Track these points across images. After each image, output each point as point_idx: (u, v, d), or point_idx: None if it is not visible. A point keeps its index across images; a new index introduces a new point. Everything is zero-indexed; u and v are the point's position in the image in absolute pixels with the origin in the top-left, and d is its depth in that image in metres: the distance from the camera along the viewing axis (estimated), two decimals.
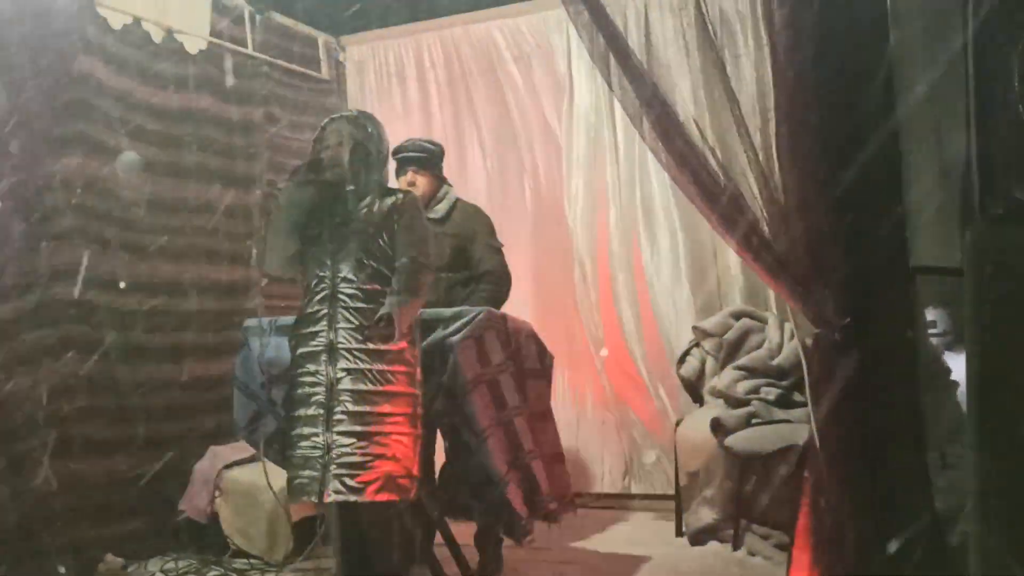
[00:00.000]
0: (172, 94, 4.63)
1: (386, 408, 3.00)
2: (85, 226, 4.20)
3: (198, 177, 4.76)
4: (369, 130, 3.19)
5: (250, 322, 3.79)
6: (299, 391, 3.08)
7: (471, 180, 5.64)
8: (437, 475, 3.61)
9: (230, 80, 4.94)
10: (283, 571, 4.02)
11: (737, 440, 3.88)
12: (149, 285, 4.52)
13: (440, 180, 4.11)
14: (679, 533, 4.29)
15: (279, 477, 3.71)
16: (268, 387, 3.59)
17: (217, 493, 4.34)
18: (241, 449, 4.55)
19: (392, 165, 4.08)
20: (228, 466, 4.41)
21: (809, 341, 2.63)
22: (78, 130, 4.15)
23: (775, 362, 4.30)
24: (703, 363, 4.61)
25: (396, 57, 5.90)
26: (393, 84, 5.90)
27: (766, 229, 2.65)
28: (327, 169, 3.10)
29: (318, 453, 2.99)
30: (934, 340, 3.38)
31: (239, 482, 4.32)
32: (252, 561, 4.15)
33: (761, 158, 2.69)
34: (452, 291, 3.92)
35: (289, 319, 3.47)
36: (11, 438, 3.88)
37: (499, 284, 4.03)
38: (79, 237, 4.18)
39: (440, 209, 4.04)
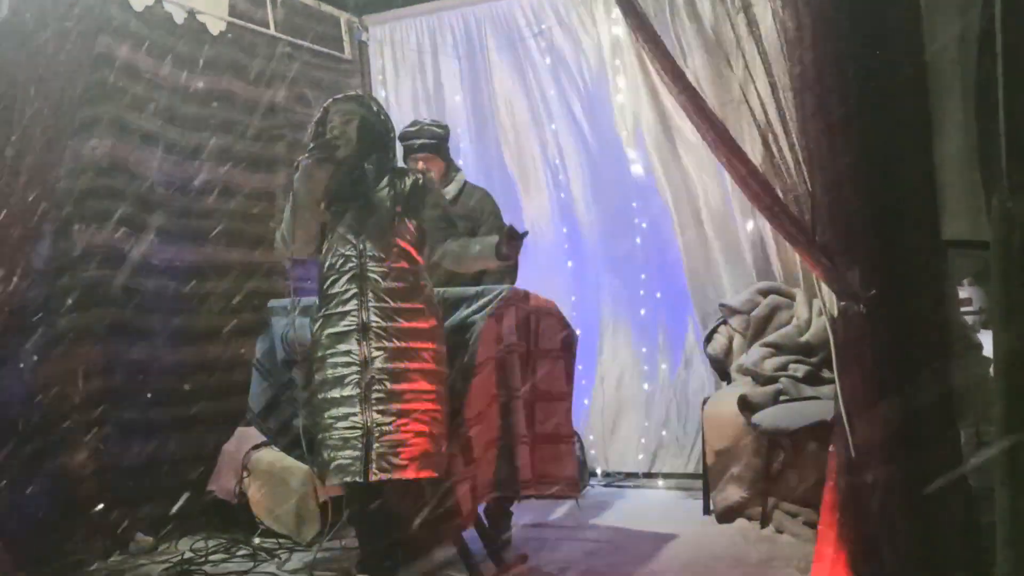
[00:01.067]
0: (195, 75, 4.63)
1: (422, 385, 3.00)
2: (113, 209, 4.23)
3: (221, 159, 4.76)
4: (375, 109, 3.18)
5: (274, 302, 3.80)
6: (331, 372, 3.06)
7: (491, 160, 5.60)
8: None
9: (252, 61, 4.92)
10: (311, 550, 4.04)
11: (765, 417, 3.83)
12: (177, 268, 4.55)
13: (449, 163, 4.12)
14: (707, 511, 4.26)
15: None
16: (290, 366, 3.59)
17: (245, 474, 4.38)
18: None
19: (400, 151, 4.08)
20: (256, 447, 4.44)
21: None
22: (104, 112, 4.17)
23: (803, 339, 4.24)
24: (730, 341, 4.57)
25: (418, 36, 5.85)
26: (414, 63, 5.86)
27: (791, 199, 2.61)
28: (339, 147, 3.09)
29: (358, 433, 2.98)
30: (969, 317, 3.31)
31: (267, 462, 4.35)
32: (280, 540, 4.17)
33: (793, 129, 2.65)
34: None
35: (313, 299, 3.47)
36: (49, 421, 3.93)
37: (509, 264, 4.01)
38: (108, 220, 4.22)
39: (449, 191, 4.03)
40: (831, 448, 2.53)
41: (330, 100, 3.21)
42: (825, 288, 2.55)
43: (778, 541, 3.78)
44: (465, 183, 4.14)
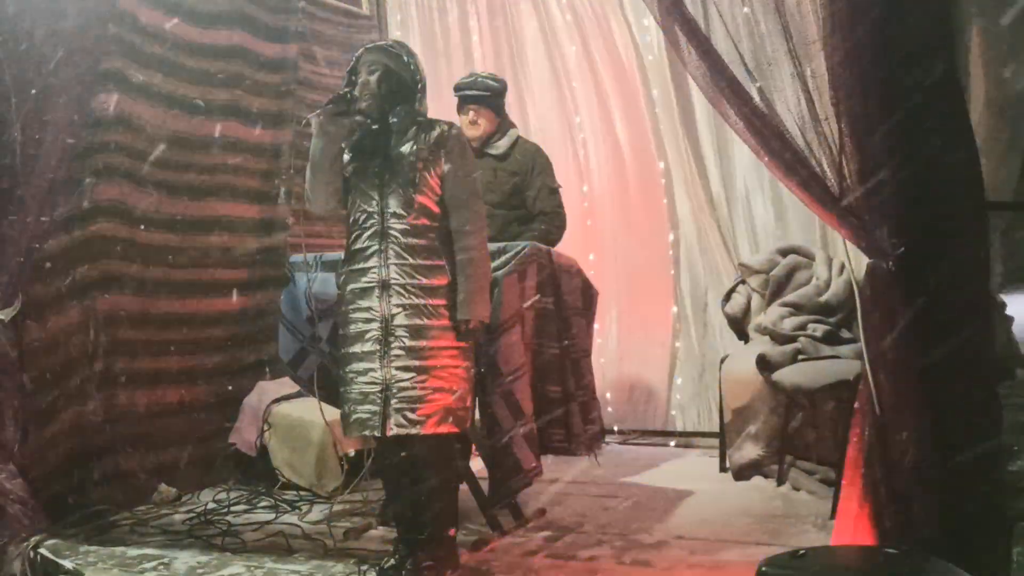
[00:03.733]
0: (207, 31, 4.61)
1: (441, 342, 3.00)
2: (123, 163, 4.24)
3: (231, 115, 4.75)
4: (405, 59, 3.10)
5: (296, 257, 3.80)
6: (352, 328, 3.08)
7: (513, 117, 5.56)
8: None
9: (265, 15, 4.88)
10: (332, 503, 4.10)
11: (784, 375, 3.84)
12: (183, 222, 4.57)
13: (502, 117, 4.09)
14: (723, 469, 4.29)
15: (327, 411, 3.79)
16: (314, 322, 3.62)
17: (266, 427, 4.43)
18: (288, 384, 4.63)
19: (454, 101, 4.06)
20: (276, 401, 4.50)
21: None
22: (115, 67, 4.16)
23: (823, 299, 4.23)
24: (749, 300, 4.56)
25: None
26: (435, 18, 5.81)
27: (813, 158, 2.59)
28: (361, 100, 3.05)
29: (376, 388, 3.00)
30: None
31: (287, 417, 4.40)
32: (301, 493, 4.24)
33: (811, 85, 2.62)
34: (507, 228, 3.92)
35: (336, 255, 3.48)
36: (65, 371, 3.98)
37: (553, 223, 4.03)
38: (119, 174, 4.23)
39: (501, 145, 4.02)
40: (856, 404, 2.54)
41: (361, 49, 3.17)
42: (851, 246, 2.54)
43: (794, 498, 3.81)
44: (518, 138, 4.12)
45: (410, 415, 2.97)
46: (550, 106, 5.61)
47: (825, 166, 2.52)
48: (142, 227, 4.35)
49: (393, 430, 2.98)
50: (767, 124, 2.57)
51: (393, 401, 2.98)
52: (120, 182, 4.24)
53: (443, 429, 3.00)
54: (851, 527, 2.41)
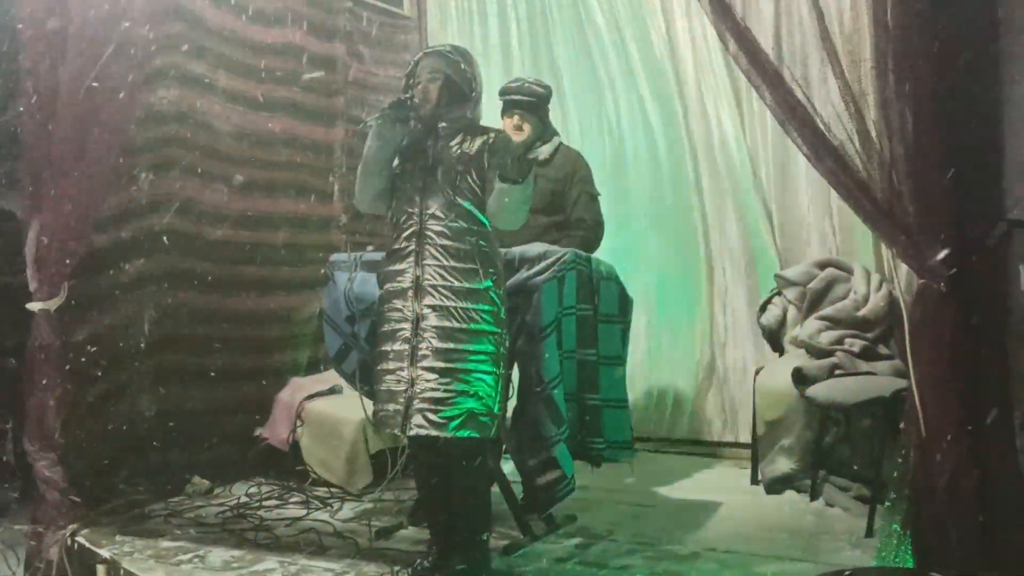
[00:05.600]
0: (263, 28, 4.66)
1: (471, 345, 3.00)
2: (179, 157, 4.28)
3: (283, 111, 4.79)
4: (462, 66, 3.12)
5: (336, 256, 3.81)
6: (385, 326, 3.10)
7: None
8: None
9: (316, 14, 4.92)
10: (362, 501, 4.12)
11: (820, 390, 3.81)
12: (236, 218, 4.62)
13: (546, 124, 4.10)
14: (754, 481, 4.27)
15: (357, 411, 3.81)
16: (353, 321, 3.64)
17: (298, 423, 4.46)
18: (322, 381, 4.67)
19: (499, 105, 4.07)
20: (309, 397, 4.53)
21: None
22: (175, 62, 4.21)
23: (861, 313, 4.20)
24: (784, 312, 4.54)
25: None
26: (474, 21, 5.82)
27: (868, 174, 2.58)
28: (418, 106, 3.08)
29: (402, 387, 3.02)
30: None
31: (320, 413, 4.43)
32: (332, 490, 4.26)
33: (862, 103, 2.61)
34: (546, 234, 3.92)
35: (376, 254, 3.51)
36: (115, 366, 4.02)
37: (591, 231, 4.04)
38: (173, 168, 4.27)
39: (543, 151, 4.02)
40: (901, 425, 2.52)
41: (421, 53, 3.20)
42: (902, 266, 2.53)
43: (828, 515, 3.79)
44: (560, 145, 4.13)
45: (431, 416, 2.97)
46: (587, 110, 5.60)
47: (878, 183, 2.51)
48: (199, 222, 4.39)
49: (413, 430, 2.99)
50: (821, 140, 2.56)
51: (416, 401, 2.99)
52: (178, 177, 4.29)
53: (465, 434, 2.99)
54: (894, 548, 2.39)
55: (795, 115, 2.60)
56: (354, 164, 5.16)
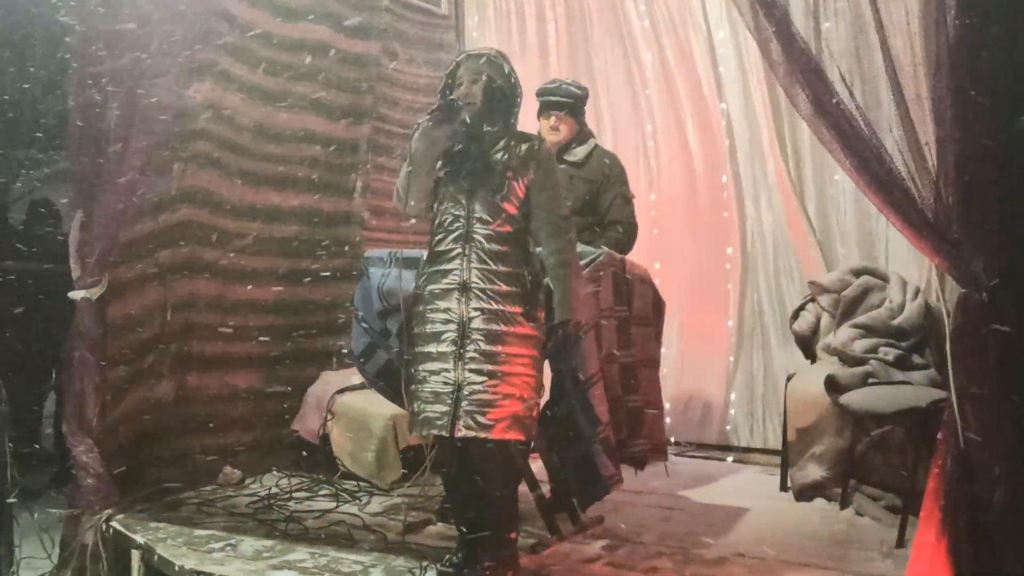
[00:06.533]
0: (295, 25, 4.70)
1: (516, 348, 3.02)
2: (212, 151, 4.34)
3: (311, 108, 4.85)
4: (505, 70, 3.14)
5: (371, 252, 3.85)
6: (428, 328, 3.11)
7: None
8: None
9: (350, 11, 4.96)
10: (390, 495, 4.15)
11: (853, 399, 3.79)
12: (263, 211, 4.68)
13: (582, 125, 4.13)
14: (784, 488, 4.25)
15: (388, 406, 3.85)
16: (385, 316, 3.66)
17: (329, 416, 4.50)
18: (353, 375, 4.70)
19: (535, 106, 4.09)
20: (340, 391, 4.56)
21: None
22: (209, 58, 4.27)
23: (896, 322, 4.16)
24: (818, 319, 4.51)
25: None
26: (512, 21, 5.84)
27: (912, 185, 2.56)
28: (462, 108, 3.10)
29: (449, 389, 3.02)
30: None
31: (351, 407, 4.47)
32: (360, 484, 4.29)
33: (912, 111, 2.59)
34: (579, 235, 3.92)
35: (411, 252, 3.53)
36: (141, 351, 4.08)
37: (625, 234, 4.04)
38: (207, 162, 4.32)
39: (579, 152, 4.05)
40: (939, 435, 2.50)
41: (463, 55, 3.22)
42: (946, 276, 2.51)
43: (858, 524, 3.76)
44: (595, 146, 4.15)
45: (479, 418, 2.99)
46: (623, 113, 5.60)
47: (923, 193, 2.49)
48: (225, 214, 4.45)
49: (462, 431, 3.00)
50: (864, 145, 2.54)
51: (464, 403, 3.00)
52: (207, 170, 4.36)
53: (511, 435, 3.01)
54: (928, 560, 2.37)
55: (835, 123, 2.58)
56: (378, 162, 5.25)
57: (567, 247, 3.14)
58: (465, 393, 3.00)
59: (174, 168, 4.22)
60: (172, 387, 4.24)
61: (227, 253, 4.51)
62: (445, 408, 3.02)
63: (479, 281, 3.04)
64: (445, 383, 3.04)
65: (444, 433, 3.05)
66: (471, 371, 3.01)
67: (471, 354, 3.01)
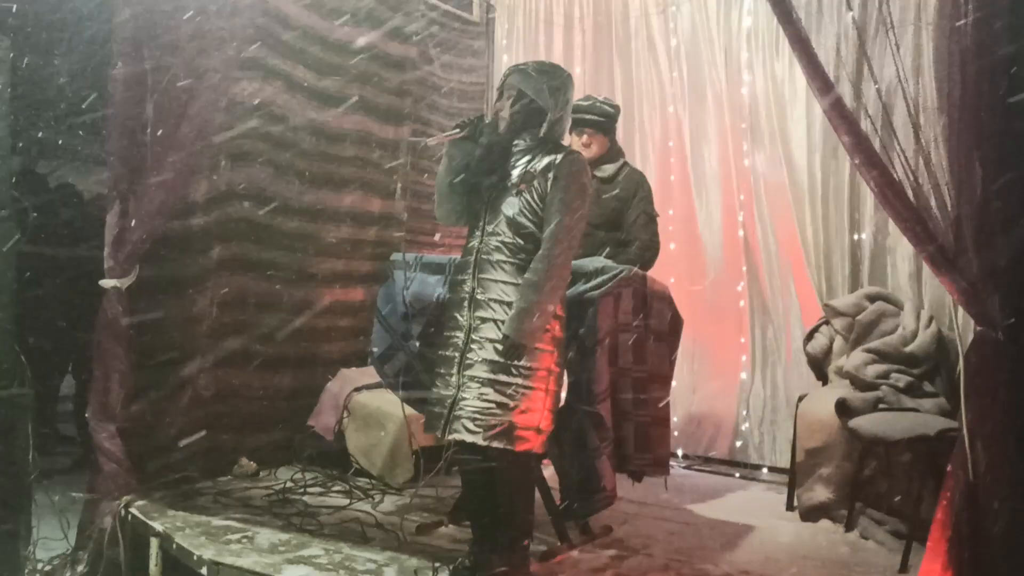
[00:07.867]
0: (343, 27, 4.79)
1: (520, 360, 3.05)
2: (260, 149, 4.43)
3: (355, 109, 4.92)
4: (542, 85, 3.18)
5: (396, 256, 3.92)
6: (445, 333, 3.23)
7: None
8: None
9: (392, 16, 5.04)
10: (403, 495, 4.22)
11: (863, 423, 3.84)
12: (310, 210, 4.76)
13: (613, 142, 4.20)
14: (790, 507, 4.31)
15: (401, 406, 3.91)
16: (408, 319, 3.73)
17: (345, 414, 4.57)
18: (370, 374, 4.76)
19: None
20: (357, 389, 4.63)
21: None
22: (259, 56, 4.35)
23: (908, 349, 4.21)
24: (831, 341, 4.56)
25: (546, 3, 5.89)
26: (540, 30, 5.90)
27: (935, 222, 2.62)
28: (492, 124, 3.18)
29: (449, 392, 3.13)
30: None
31: (366, 406, 4.54)
32: (374, 482, 4.36)
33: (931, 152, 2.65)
34: (602, 249, 4.00)
35: (438, 257, 3.63)
36: (181, 345, 4.12)
37: (648, 250, 4.12)
38: (255, 159, 4.42)
39: (607, 169, 4.13)
40: (948, 467, 2.56)
41: (512, 67, 3.30)
42: (961, 311, 2.57)
43: (862, 547, 3.81)
44: (624, 164, 4.23)
45: (468, 424, 3.06)
46: (646, 126, 5.65)
47: (943, 231, 2.55)
48: (269, 212, 4.51)
49: (452, 434, 3.10)
50: (889, 182, 2.60)
51: (457, 408, 3.09)
52: (255, 167, 4.42)
53: (499, 444, 3.04)
54: None
55: (866, 155, 2.64)
56: (417, 163, 5.33)
57: (548, 267, 3.03)
58: (459, 398, 3.09)
59: (223, 165, 4.27)
60: (212, 382, 4.27)
61: (274, 251, 4.58)
62: (442, 411, 3.14)
63: (483, 291, 3.13)
64: (447, 386, 3.15)
65: (438, 434, 3.17)
66: (468, 377, 3.10)
67: (470, 361, 3.11)
